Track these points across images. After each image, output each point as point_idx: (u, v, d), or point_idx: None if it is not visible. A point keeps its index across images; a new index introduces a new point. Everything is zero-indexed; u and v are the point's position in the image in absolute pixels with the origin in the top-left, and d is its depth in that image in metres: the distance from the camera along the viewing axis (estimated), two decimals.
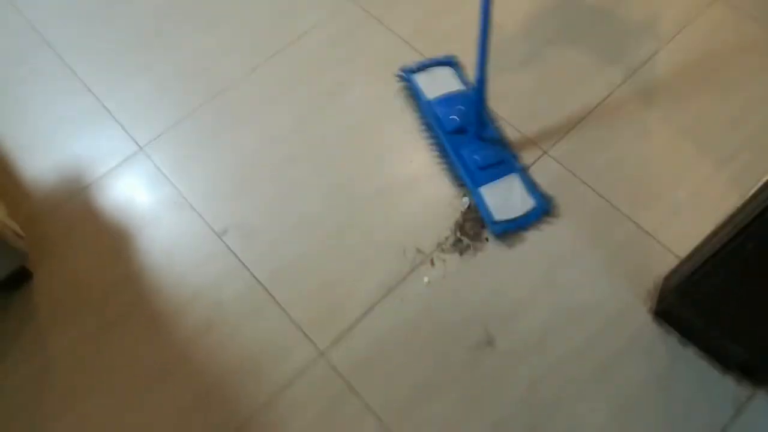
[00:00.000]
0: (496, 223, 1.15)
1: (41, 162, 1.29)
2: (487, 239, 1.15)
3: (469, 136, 1.23)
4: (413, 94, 1.31)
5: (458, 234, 1.15)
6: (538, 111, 1.29)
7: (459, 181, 1.21)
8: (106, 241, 1.20)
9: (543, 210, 1.16)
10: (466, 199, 1.19)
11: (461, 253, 1.13)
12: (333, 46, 1.40)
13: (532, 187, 1.19)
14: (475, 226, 1.16)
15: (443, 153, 1.24)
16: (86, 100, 1.36)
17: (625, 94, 1.30)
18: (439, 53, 1.37)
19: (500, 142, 1.24)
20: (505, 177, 1.19)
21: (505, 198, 1.17)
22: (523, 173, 1.20)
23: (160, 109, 1.34)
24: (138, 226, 1.21)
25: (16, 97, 1.38)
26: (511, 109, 1.29)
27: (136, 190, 1.25)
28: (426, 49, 1.38)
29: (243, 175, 1.25)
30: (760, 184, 1.14)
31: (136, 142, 1.30)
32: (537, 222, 1.16)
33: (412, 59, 1.36)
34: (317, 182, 1.23)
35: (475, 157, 1.20)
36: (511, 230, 1.15)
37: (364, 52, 1.39)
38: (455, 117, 1.25)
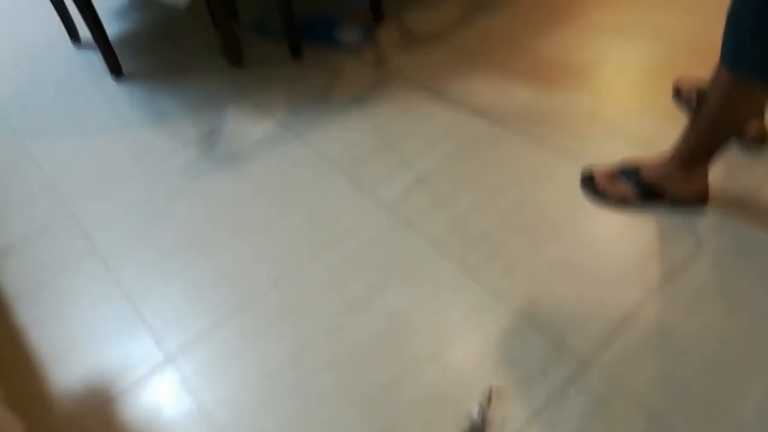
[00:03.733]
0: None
1: (71, 371, 1.29)
2: None
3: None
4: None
5: None
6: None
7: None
8: None
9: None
10: (474, 407, 1.11)
11: None
12: (364, 254, 1.42)
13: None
14: None
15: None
16: (123, 306, 1.39)
17: None
18: (464, 254, 1.37)
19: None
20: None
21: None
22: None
23: (191, 316, 1.35)
24: None
25: (58, 303, 1.42)
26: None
27: (159, 404, 1.21)
28: (455, 252, 1.39)
29: (268, 390, 1.21)
30: None
31: (165, 352, 1.29)
32: None
33: (440, 262, 1.37)
34: (345, 395, 1.17)
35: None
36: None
37: (397, 256, 1.40)
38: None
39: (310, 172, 1.64)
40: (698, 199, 1.39)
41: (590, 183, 1.47)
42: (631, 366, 1.15)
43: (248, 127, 1.80)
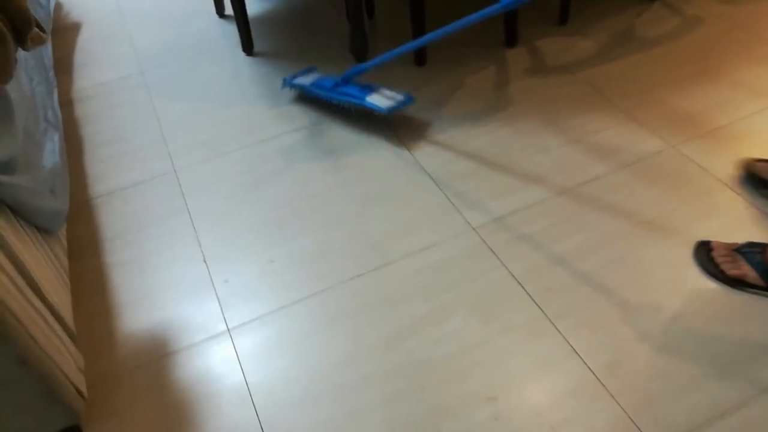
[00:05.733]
0: (386, 108, 1.67)
1: (136, 320, 1.33)
2: None
3: (347, 85, 1.78)
4: (300, 87, 1.87)
5: None
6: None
7: (353, 106, 1.74)
8: (163, 418, 1.15)
9: (410, 98, 1.74)
10: None
11: None
12: (441, 272, 1.36)
13: (398, 90, 1.75)
14: None
15: (340, 100, 1.77)
16: (199, 269, 1.42)
17: None
18: (547, 299, 1.27)
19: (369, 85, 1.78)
20: (378, 90, 1.75)
21: (385, 97, 1.72)
22: (388, 88, 1.76)
23: (260, 295, 1.35)
24: (196, 411, 1.16)
25: (143, 252, 1.48)
26: None
27: (208, 372, 1.22)
28: (538, 294, 1.29)
29: (311, 387, 1.18)
30: None
31: (226, 323, 1.30)
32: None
33: (519, 300, 1.28)
34: (384, 414, 1.12)
35: (356, 88, 1.76)
36: (398, 109, 1.71)
37: (474, 284, 1.33)
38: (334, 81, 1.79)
39: (406, 178, 1.60)
40: None
41: (705, 253, 1.32)
42: None
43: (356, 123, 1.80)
